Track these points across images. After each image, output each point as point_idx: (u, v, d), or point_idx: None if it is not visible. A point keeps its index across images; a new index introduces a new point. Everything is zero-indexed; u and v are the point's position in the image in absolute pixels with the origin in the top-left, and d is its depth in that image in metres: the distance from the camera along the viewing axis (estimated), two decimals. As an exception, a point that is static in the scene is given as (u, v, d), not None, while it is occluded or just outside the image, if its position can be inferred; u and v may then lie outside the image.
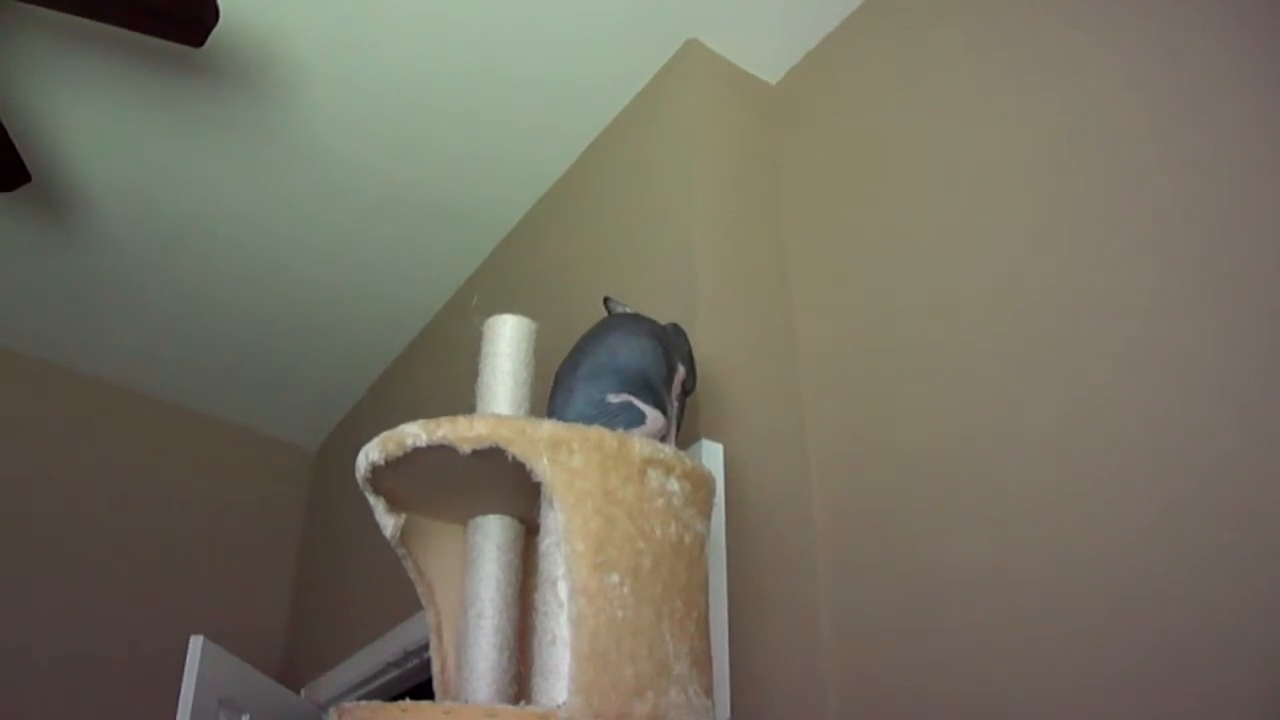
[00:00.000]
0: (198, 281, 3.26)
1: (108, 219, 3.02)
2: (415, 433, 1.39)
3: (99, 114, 2.69)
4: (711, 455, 1.85)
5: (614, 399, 1.57)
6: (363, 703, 1.31)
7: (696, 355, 1.89)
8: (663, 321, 1.82)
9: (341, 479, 3.66)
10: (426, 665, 2.77)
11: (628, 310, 1.86)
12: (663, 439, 1.59)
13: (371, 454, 1.42)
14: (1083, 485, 1.58)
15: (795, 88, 2.49)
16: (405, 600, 2.46)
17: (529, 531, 1.58)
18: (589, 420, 1.52)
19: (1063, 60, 1.86)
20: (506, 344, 1.63)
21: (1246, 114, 1.55)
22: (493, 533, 1.54)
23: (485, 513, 1.55)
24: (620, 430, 1.47)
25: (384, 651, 2.86)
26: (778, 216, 2.36)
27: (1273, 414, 1.39)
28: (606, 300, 1.90)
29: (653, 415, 1.58)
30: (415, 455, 1.40)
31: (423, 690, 2.68)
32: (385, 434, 1.41)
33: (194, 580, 3.57)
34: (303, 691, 3.28)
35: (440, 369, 3.21)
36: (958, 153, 2.00)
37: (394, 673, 2.88)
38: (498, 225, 3.03)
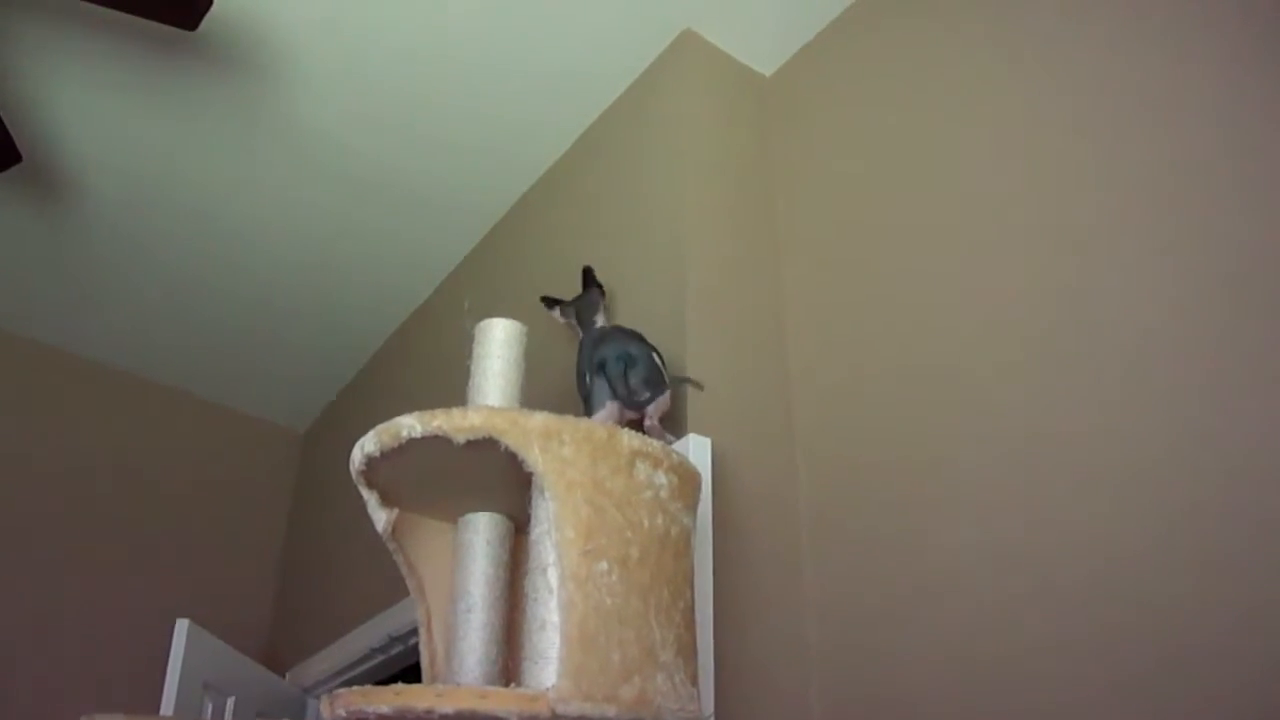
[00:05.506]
0: (187, 263, 3.26)
1: (98, 200, 3.02)
2: (410, 424, 1.41)
3: (91, 95, 2.69)
4: (700, 449, 1.87)
5: (635, 351, 1.87)
6: (355, 688, 1.33)
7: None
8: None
9: (329, 461, 3.67)
10: (411, 651, 2.80)
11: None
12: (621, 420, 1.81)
13: (367, 445, 1.44)
14: (1069, 485, 1.61)
15: (790, 81, 2.51)
16: (390, 586, 2.48)
17: (517, 529, 1.61)
18: (615, 336, 1.91)
19: (1060, 55, 1.88)
20: (497, 346, 1.66)
21: (1251, 108, 1.56)
22: (482, 529, 1.57)
23: (476, 510, 1.58)
24: (621, 367, 1.82)
25: (369, 636, 2.88)
26: (770, 210, 2.38)
27: (1264, 415, 1.42)
28: (587, 271, 2.18)
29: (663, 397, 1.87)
30: (410, 447, 1.42)
31: (407, 676, 2.70)
32: (381, 426, 1.44)
33: (181, 562, 3.57)
34: (287, 675, 3.30)
35: (429, 353, 3.22)
36: (952, 148, 2.02)
37: (378, 658, 2.90)
38: (488, 212, 3.04)
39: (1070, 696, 1.49)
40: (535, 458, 1.39)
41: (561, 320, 2.19)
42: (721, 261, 2.22)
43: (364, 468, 1.48)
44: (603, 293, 2.17)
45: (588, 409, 1.88)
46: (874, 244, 2.11)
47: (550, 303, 2.22)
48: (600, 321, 2.10)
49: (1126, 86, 1.74)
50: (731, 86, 2.50)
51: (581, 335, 2.09)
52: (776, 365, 2.18)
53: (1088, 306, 1.67)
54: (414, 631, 2.01)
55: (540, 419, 1.42)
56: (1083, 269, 1.70)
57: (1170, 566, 1.44)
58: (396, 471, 1.50)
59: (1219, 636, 1.37)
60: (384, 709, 1.29)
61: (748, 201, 2.36)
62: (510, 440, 1.39)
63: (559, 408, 1.52)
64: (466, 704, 1.27)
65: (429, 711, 1.28)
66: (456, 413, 1.41)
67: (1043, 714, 1.52)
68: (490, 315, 1.71)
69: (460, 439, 1.39)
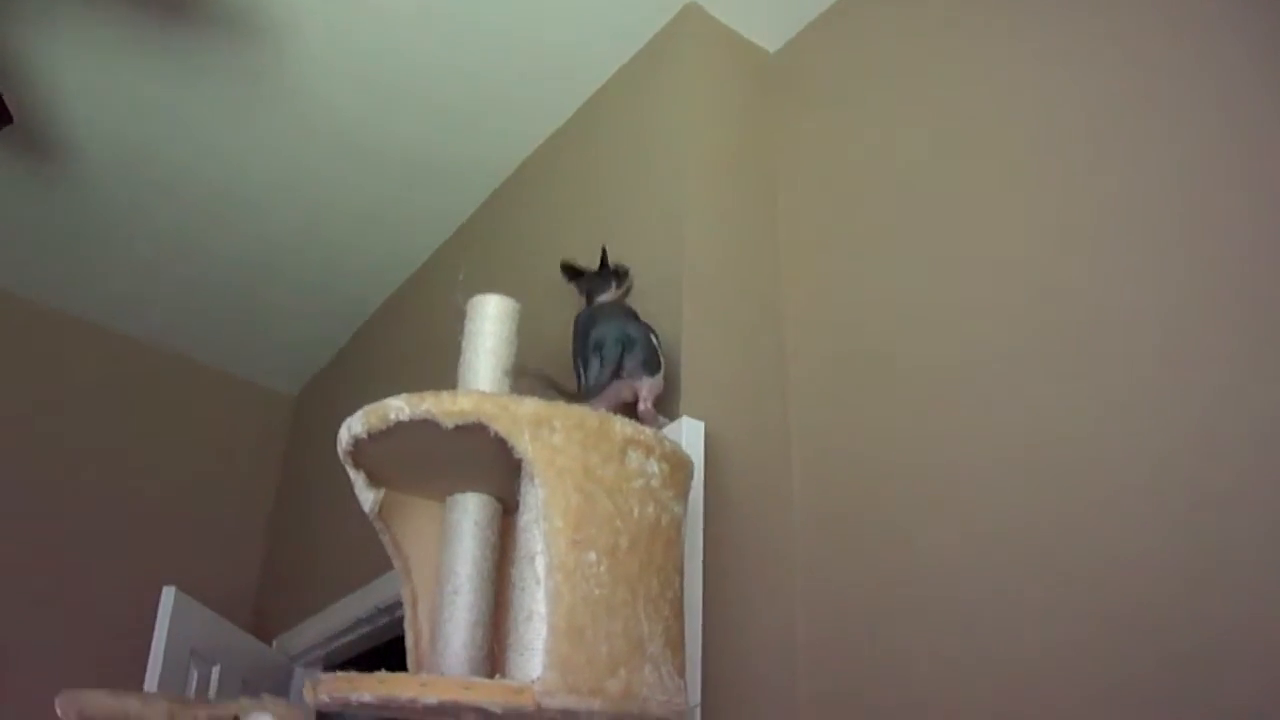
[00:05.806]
0: (182, 225, 3.22)
1: (92, 162, 2.98)
2: (399, 406, 1.38)
3: (86, 57, 2.64)
4: (693, 432, 1.85)
5: (633, 333, 1.88)
6: (340, 674, 1.31)
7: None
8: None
9: (321, 425, 3.65)
10: (397, 622, 2.78)
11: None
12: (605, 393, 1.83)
13: (354, 426, 1.42)
14: (1067, 483, 1.59)
15: (794, 58, 2.47)
16: (379, 556, 2.45)
17: (507, 511, 1.58)
18: (613, 314, 1.93)
19: (1066, 35, 1.84)
20: (490, 323, 1.63)
21: (1256, 105, 1.53)
22: (471, 510, 1.54)
23: (464, 490, 1.55)
24: (619, 349, 1.82)
25: (356, 607, 2.87)
26: (771, 188, 2.34)
27: (1266, 416, 1.40)
28: (603, 250, 2.12)
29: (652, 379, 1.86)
30: (398, 429, 1.39)
31: (393, 647, 2.69)
32: (368, 407, 1.41)
33: (169, 528, 3.56)
34: (274, 643, 3.29)
35: (423, 320, 3.20)
36: (955, 130, 1.99)
37: (365, 628, 2.90)
38: (485, 181, 3.00)
39: (1063, 696, 1.48)
40: (525, 445, 1.37)
41: (578, 294, 2.14)
42: (719, 240, 2.19)
43: (351, 448, 1.45)
44: (617, 274, 2.11)
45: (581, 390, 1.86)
46: (875, 227, 2.08)
47: (571, 273, 2.13)
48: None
49: (1134, 67, 1.71)
50: (734, 62, 2.46)
51: (580, 310, 2.06)
52: (774, 347, 2.15)
53: (1100, 296, 1.64)
54: (401, 603, 2.00)
55: (531, 405, 1.39)
56: (1095, 254, 1.67)
57: (1169, 568, 1.42)
58: (384, 453, 1.47)
59: (1219, 637, 1.35)
60: (367, 697, 1.28)
61: (748, 179, 2.32)
62: (500, 426, 1.36)
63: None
64: (450, 695, 1.26)
65: (412, 701, 1.26)
66: (446, 396, 1.38)
67: (1036, 713, 1.51)
68: (484, 286, 1.68)
69: (449, 423, 1.37)
